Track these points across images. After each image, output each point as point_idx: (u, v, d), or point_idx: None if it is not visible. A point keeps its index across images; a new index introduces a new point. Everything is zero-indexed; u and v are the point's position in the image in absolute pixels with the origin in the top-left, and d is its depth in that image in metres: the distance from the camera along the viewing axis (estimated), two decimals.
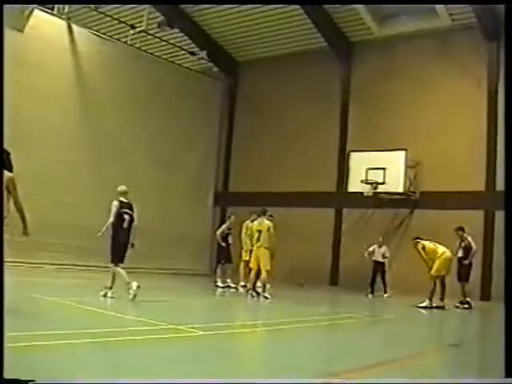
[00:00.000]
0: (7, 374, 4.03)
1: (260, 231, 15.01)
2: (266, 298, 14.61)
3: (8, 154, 7.88)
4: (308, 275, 21.92)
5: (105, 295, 11.81)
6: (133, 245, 12.22)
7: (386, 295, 18.96)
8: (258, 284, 15.22)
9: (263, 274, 14.93)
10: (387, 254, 19.15)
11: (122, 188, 12.37)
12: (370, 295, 18.90)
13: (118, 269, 11.88)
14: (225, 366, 6.08)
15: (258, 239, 14.97)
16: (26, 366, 5.04)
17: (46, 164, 20.00)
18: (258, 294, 14.94)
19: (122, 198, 12.21)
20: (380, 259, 19.15)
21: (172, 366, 5.83)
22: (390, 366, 6.58)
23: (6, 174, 7.62)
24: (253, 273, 15.13)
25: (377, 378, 5.92)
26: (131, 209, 12.22)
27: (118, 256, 12.01)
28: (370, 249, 19.28)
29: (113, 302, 11.54)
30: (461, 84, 21.68)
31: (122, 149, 22.63)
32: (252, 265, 15.09)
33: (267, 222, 15.18)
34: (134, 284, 11.49)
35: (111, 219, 11.94)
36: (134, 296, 11.38)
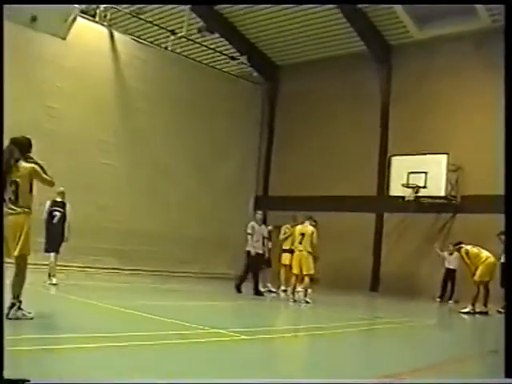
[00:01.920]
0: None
1: (303, 234, 14.92)
2: (307, 302, 14.57)
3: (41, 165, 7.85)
4: (348, 280, 21.81)
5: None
6: (66, 238, 13.88)
7: (450, 302, 19.29)
8: (299, 288, 15.19)
9: (305, 279, 14.88)
10: (457, 261, 18.94)
11: (59, 189, 13.63)
12: (438, 299, 19.53)
13: (52, 255, 13.73)
14: (271, 371, 6.05)
15: (300, 243, 14.93)
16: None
17: (86, 167, 20.27)
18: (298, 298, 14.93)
19: (58, 198, 13.86)
20: (452, 266, 19.40)
21: (215, 369, 5.83)
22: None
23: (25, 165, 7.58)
24: (294, 277, 15.11)
25: None
26: (63, 207, 13.88)
27: (50, 246, 13.77)
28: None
29: (156, 305, 11.64)
30: (503, 86, 21.34)
31: (160, 153, 22.81)
32: (295, 269, 15.04)
33: (311, 227, 15.09)
34: (54, 279, 13.58)
35: (43, 216, 13.71)
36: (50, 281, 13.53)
